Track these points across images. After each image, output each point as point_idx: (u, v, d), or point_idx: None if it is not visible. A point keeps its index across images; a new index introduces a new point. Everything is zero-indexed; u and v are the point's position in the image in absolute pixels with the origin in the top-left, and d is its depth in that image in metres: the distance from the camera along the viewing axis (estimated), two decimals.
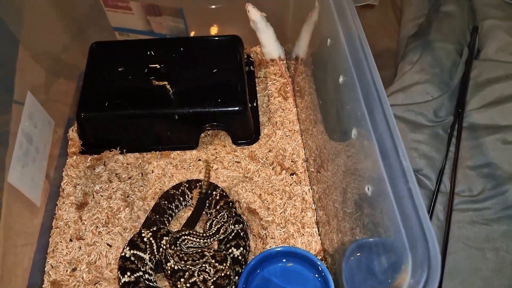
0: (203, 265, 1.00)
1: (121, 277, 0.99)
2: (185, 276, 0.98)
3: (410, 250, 0.62)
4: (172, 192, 1.17)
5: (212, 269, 0.99)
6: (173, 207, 1.16)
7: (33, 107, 1.13)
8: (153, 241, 1.04)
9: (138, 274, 1.00)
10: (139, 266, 1.02)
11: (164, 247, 1.03)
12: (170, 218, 1.17)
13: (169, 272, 1.00)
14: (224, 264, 0.99)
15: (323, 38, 1.01)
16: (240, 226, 1.09)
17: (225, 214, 1.07)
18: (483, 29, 1.65)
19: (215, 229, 1.05)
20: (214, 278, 0.97)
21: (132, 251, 1.03)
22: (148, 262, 1.04)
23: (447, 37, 1.62)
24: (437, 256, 0.59)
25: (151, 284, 1.02)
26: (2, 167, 0.99)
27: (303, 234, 1.14)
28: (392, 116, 0.73)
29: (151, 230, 1.06)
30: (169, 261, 0.99)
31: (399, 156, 0.67)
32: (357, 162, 0.84)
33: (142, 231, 1.06)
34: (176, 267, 0.99)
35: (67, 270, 1.09)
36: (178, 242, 1.01)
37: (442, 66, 1.56)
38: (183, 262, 0.99)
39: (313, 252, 1.11)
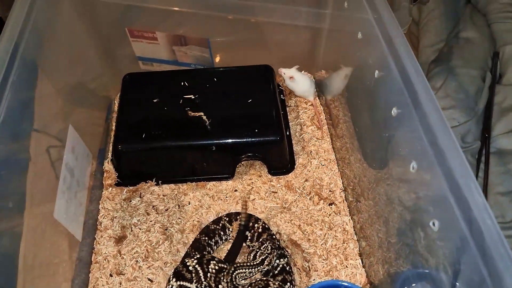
0: None
1: None
2: None
3: None
4: (212, 227, 1.15)
5: None
6: (213, 243, 1.14)
7: (74, 140, 1.12)
8: (199, 268, 1.02)
9: None
10: (193, 278, 1.00)
11: (212, 270, 1.01)
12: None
13: None
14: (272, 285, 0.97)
15: (368, 69, 1.02)
16: (285, 260, 1.07)
17: (269, 246, 1.05)
18: (504, 54, 1.66)
19: (259, 260, 1.04)
20: None
21: (178, 282, 1.00)
22: None
23: (470, 63, 1.64)
24: None
25: None
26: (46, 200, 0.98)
27: (346, 266, 1.12)
28: (459, 148, 0.72)
29: (196, 258, 1.04)
30: None
31: (472, 192, 0.67)
32: (417, 196, 0.83)
33: (186, 260, 1.04)
34: None
35: None
36: (233, 275, 1.00)
37: (467, 91, 1.57)
38: None
39: (359, 284, 1.09)
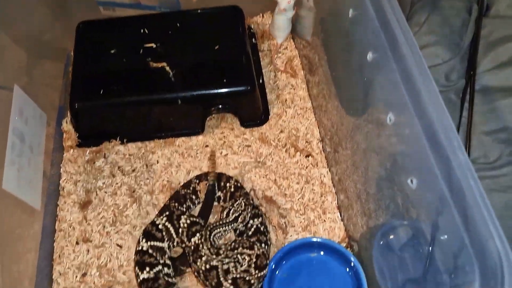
0: (237, 256, 0.96)
1: (139, 273, 0.93)
2: (219, 269, 0.94)
3: (475, 255, 0.56)
4: (183, 193, 1.08)
5: (246, 257, 0.95)
6: (184, 209, 1.08)
7: (22, 102, 1.02)
8: (169, 225, 0.98)
9: (157, 268, 0.94)
10: (157, 258, 0.96)
11: (183, 225, 0.98)
12: None
13: (192, 250, 0.96)
14: (256, 247, 0.94)
15: (343, 7, 0.91)
16: (259, 220, 1.02)
17: (242, 202, 1.00)
18: None
19: (233, 217, 0.99)
20: (254, 261, 0.93)
21: (149, 243, 0.96)
22: (167, 251, 0.99)
23: None
24: (511, 262, 0.52)
25: (170, 280, 0.96)
26: None
27: (324, 220, 1.08)
28: (441, 100, 0.65)
29: (165, 215, 0.99)
30: (202, 256, 0.94)
31: (455, 149, 0.60)
32: (394, 150, 0.76)
33: (155, 219, 0.99)
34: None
35: (76, 276, 1.02)
36: (211, 237, 0.96)
37: (452, 25, 1.48)
38: (214, 256, 0.94)
39: (337, 239, 1.05)
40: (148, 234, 0.97)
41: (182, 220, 0.98)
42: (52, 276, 1.03)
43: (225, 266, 0.95)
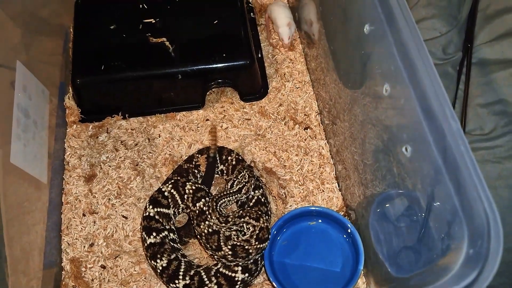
0: (242, 224, 0.99)
1: (146, 238, 0.97)
2: (222, 235, 0.98)
3: (464, 216, 0.59)
4: (185, 167, 1.11)
5: (251, 227, 0.98)
6: None
7: (25, 78, 1.03)
8: (174, 192, 1.02)
9: (163, 234, 0.98)
10: (164, 224, 1.00)
11: (188, 191, 1.02)
12: None
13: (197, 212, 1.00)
14: (262, 220, 0.97)
15: None
16: (260, 191, 1.05)
17: (246, 174, 1.03)
18: None
19: (237, 188, 1.02)
20: (256, 232, 0.96)
21: (155, 209, 1.00)
22: (172, 217, 1.03)
23: None
24: (497, 224, 0.55)
25: (175, 245, 1.00)
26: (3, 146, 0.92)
27: (323, 191, 1.11)
28: (435, 71, 0.67)
29: (171, 182, 1.03)
30: (205, 220, 0.98)
31: (447, 117, 0.62)
32: (390, 120, 0.78)
33: (161, 187, 1.03)
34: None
35: (84, 246, 1.06)
36: (217, 207, 0.99)
37: None
38: (224, 225, 0.98)
39: (335, 208, 1.09)
40: (154, 201, 1.01)
41: (188, 186, 1.02)
42: (61, 247, 1.07)
43: (227, 233, 0.98)
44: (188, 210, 1.02)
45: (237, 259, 0.94)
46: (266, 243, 0.96)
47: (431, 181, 0.66)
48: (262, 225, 0.97)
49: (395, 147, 0.76)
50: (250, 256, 0.95)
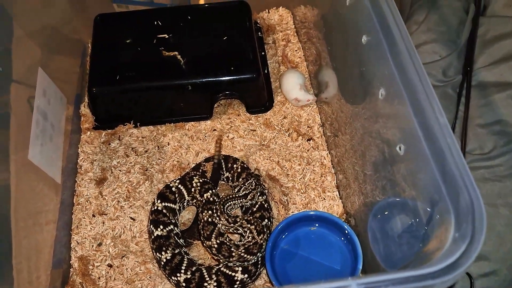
0: (245, 229, 1.03)
1: (154, 230, 1.02)
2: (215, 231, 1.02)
3: (451, 204, 0.63)
4: (192, 174, 1.16)
5: (250, 236, 1.02)
6: None
7: (45, 84, 1.11)
8: (181, 187, 1.07)
9: (169, 227, 1.03)
10: (170, 218, 1.05)
11: (196, 185, 1.08)
12: None
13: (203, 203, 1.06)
14: (261, 237, 1.01)
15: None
16: (263, 197, 1.10)
17: (253, 182, 1.08)
18: None
19: (243, 194, 1.07)
20: (249, 244, 1.00)
21: (163, 204, 1.05)
22: (177, 212, 1.08)
23: None
24: (481, 207, 0.59)
25: (179, 241, 1.05)
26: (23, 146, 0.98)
27: (324, 199, 1.15)
28: (425, 72, 0.72)
29: (178, 178, 1.09)
30: (208, 210, 1.04)
31: (435, 112, 0.67)
32: (386, 122, 0.83)
33: (169, 182, 1.09)
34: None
35: (93, 246, 1.10)
36: (224, 209, 1.04)
37: (449, 24, 1.55)
38: (232, 225, 1.03)
39: (335, 215, 1.12)
40: (162, 196, 1.07)
41: (195, 180, 1.08)
42: (71, 245, 1.11)
43: (226, 230, 1.03)
44: (195, 201, 1.07)
45: (219, 255, 0.99)
46: (252, 257, 0.99)
47: (422, 175, 0.71)
48: (259, 241, 1.01)
49: (390, 147, 0.81)
50: (231, 259, 0.99)
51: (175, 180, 1.08)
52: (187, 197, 1.07)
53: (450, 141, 0.64)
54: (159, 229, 1.01)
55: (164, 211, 1.04)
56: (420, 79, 0.71)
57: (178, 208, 1.07)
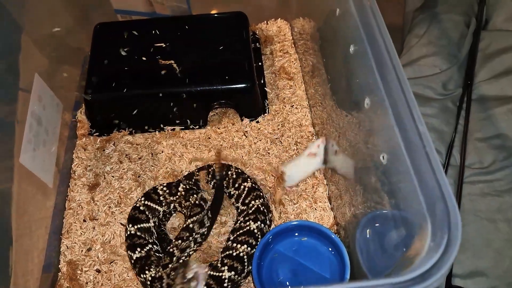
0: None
1: (132, 255, 1.00)
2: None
3: (428, 213, 0.62)
4: (184, 183, 1.16)
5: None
6: None
7: (41, 89, 1.12)
8: (149, 203, 1.08)
9: (147, 247, 1.02)
10: (146, 238, 1.04)
11: (181, 190, 1.09)
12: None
13: None
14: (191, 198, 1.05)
15: (332, 10, 1.00)
16: (260, 201, 1.09)
17: (234, 172, 1.13)
18: None
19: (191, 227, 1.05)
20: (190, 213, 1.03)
21: (135, 226, 1.04)
22: (153, 230, 1.07)
23: (454, 8, 1.60)
24: (456, 216, 0.58)
25: (160, 255, 1.03)
26: (12, 150, 0.99)
27: (315, 209, 1.14)
28: (406, 80, 0.72)
29: (142, 196, 1.10)
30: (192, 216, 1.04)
31: (415, 121, 0.66)
32: (371, 132, 0.83)
33: (135, 203, 1.09)
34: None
35: (82, 250, 1.10)
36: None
37: (450, 38, 1.54)
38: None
39: (326, 226, 1.11)
40: (132, 219, 1.05)
41: (180, 187, 1.09)
42: (60, 249, 1.11)
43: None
44: (181, 207, 1.08)
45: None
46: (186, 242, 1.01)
47: (403, 185, 0.70)
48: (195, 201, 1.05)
49: (375, 156, 0.80)
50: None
51: (140, 199, 1.08)
52: (160, 209, 1.08)
53: (429, 150, 0.63)
54: (137, 252, 1.00)
55: (138, 233, 1.03)
56: (402, 87, 0.71)
57: (153, 224, 1.06)
